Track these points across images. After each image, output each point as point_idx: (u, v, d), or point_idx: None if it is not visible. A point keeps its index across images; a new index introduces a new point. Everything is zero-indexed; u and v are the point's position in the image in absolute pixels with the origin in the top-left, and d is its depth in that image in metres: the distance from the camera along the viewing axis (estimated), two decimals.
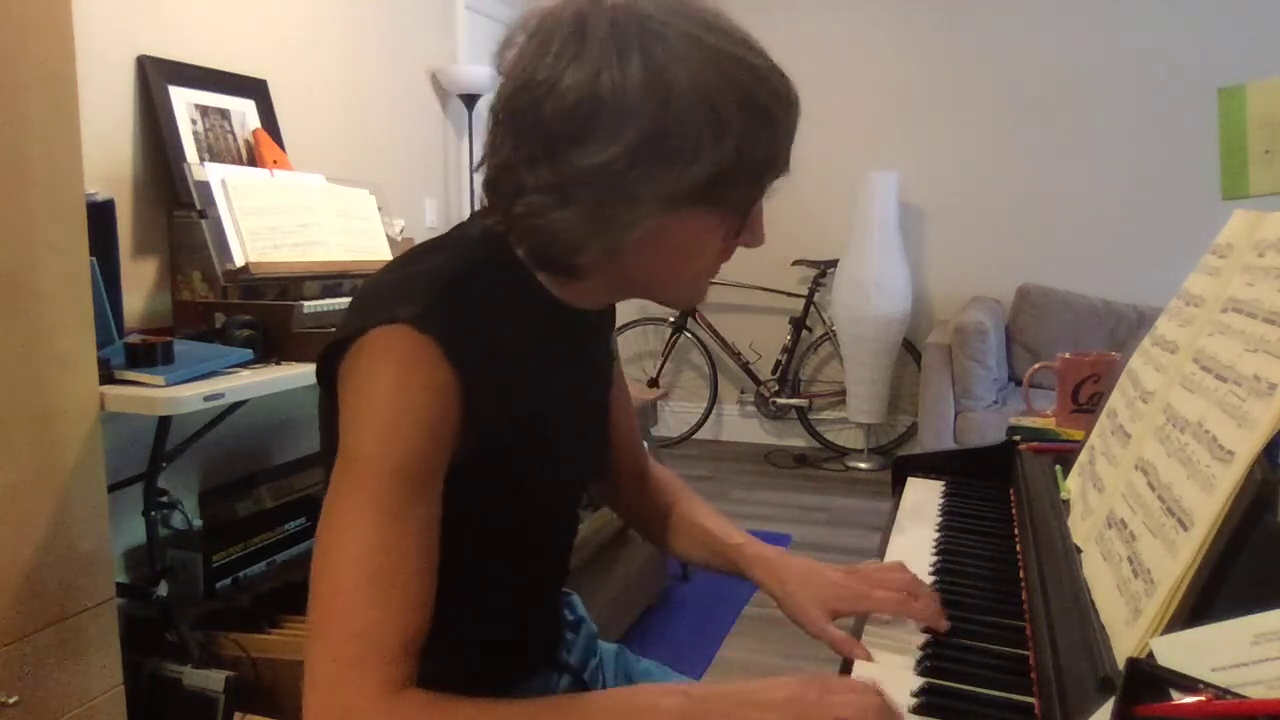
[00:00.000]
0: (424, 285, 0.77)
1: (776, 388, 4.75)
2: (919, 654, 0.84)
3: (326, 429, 0.84)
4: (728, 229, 0.82)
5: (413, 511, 0.74)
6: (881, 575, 0.93)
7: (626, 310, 4.96)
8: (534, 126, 0.75)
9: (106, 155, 2.16)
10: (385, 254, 2.44)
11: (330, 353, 0.79)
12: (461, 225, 0.89)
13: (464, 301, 0.78)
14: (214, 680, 1.78)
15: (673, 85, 0.72)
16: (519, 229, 0.81)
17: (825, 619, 0.92)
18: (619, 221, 0.76)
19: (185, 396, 1.64)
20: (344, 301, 2.07)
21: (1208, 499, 0.65)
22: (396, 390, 0.73)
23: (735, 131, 0.74)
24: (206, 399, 1.66)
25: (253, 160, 2.47)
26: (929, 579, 1.00)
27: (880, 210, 4.31)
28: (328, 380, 0.80)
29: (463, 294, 0.78)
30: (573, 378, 0.93)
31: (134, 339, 1.77)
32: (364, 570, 0.72)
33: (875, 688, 0.72)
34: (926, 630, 0.88)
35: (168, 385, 1.66)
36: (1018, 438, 1.31)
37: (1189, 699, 0.53)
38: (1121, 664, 0.62)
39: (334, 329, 0.84)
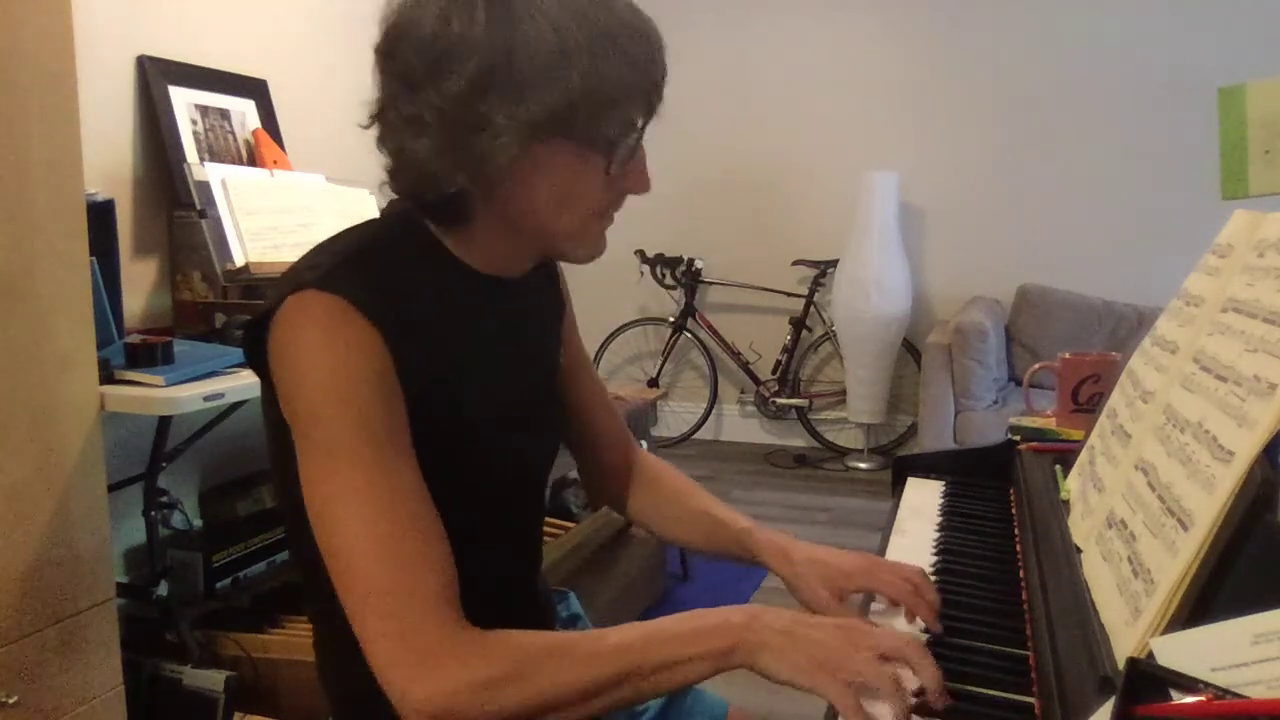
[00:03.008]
0: (328, 255, 0.82)
1: (776, 388, 4.75)
2: None
3: (268, 409, 0.85)
4: (599, 167, 0.83)
5: (394, 463, 0.76)
6: (892, 564, 0.95)
7: (627, 310, 4.96)
8: (397, 66, 0.81)
9: (106, 155, 2.16)
10: None
11: (254, 336, 0.81)
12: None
13: (370, 267, 0.82)
14: (214, 680, 1.79)
15: (518, 20, 0.76)
16: (398, 175, 0.85)
17: (832, 599, 0.93)
18: (477, 150, 0.79)
19: (185, 396, 1.64)
20: None
21: (1208, 499, 0.65)
22: (324, 350, 0.76)
23: (581, 61, 0.77)
24: (206, 399, 1.66)
25: (253, 160, 2.47)
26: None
27: (880, 210, 4.30)
28: (260, 365, 0.82)
29: (368, 260, 0.82)
30: (504, 349, 0.93)
31: (134, 339, 1.77)
32: (377, 531, 0.73)
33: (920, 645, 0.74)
34: (925, 630, 0.88)
35: (168, 385, 1.66)
36: (1018, 438, 1.30)
37: (1189, 699, 0.53)
38: (1121, 664, 0.62)
39: None
